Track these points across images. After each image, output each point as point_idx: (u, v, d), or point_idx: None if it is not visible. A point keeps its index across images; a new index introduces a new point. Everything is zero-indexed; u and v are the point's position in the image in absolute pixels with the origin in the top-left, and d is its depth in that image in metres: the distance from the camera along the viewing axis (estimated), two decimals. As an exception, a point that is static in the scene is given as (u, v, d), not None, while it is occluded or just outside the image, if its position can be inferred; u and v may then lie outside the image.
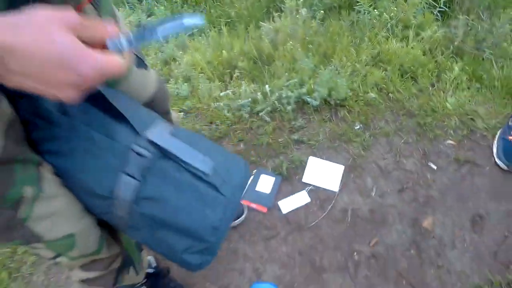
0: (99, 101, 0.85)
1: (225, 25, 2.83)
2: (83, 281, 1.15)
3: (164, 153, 0.84)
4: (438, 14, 2.72)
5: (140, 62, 1.08)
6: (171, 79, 2.29)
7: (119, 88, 1.00)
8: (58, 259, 1.00)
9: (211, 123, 2.05)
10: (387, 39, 2.48)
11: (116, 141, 0.85)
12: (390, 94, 2.16)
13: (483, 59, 2.39)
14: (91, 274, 1.13)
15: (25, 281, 1.76)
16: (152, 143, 0.84)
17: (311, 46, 2.43)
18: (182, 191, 0.83)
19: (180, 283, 1.61)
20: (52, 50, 0.54)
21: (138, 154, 0.83)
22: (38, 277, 1.77)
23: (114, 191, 0.83)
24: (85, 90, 0.60)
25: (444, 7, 2.71)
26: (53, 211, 0.88)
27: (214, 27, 2.87)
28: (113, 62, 0.59)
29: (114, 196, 0.83)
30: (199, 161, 0.84)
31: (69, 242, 0.96)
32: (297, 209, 1.76)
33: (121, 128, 0.86)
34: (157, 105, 1.14)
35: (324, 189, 1.81)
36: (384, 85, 2.19)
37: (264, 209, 1.73)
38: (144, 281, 1.47)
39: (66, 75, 0.56)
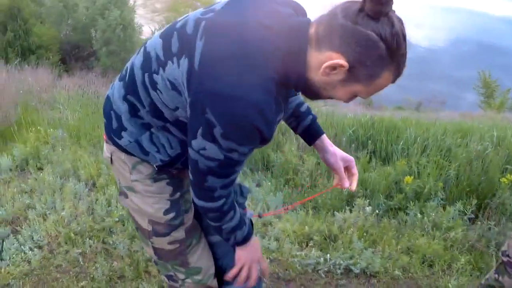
0: None
1: (312, 208, 4.06)
2: None
3: None
4: (468, 219, 3.76)
5: None
6: (266, 236, 3.49)
7: None
8: (186, 280, 1.86)
9: (286, 270, 3.17)
10: (422, 236, 3.53)
11: None
12: (410, 273, 3.17)
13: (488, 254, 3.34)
14: None
15: None
16: None
17: (365, 234, 3.55)
18: None
19: None
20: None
21: None
22: None
23: None
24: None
25: (472, 215, 3.76)
26: (199, 253, 1.84)
27: (304, 208, 4.11)
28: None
29: None
30: None
31: (198, 270, 1.83)
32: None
33: None
34: None
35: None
36: (407, 267, 3.21)
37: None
38: None
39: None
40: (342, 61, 1.25)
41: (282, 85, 1.35)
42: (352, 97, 1.39)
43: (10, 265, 3.09)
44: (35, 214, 3.62)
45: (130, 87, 1.52)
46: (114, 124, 1.60)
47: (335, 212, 3.83)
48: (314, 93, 1.41)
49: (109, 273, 3.01)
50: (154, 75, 1.44)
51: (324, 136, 1.88)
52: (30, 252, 3.20)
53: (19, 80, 8.49)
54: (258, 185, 4.42)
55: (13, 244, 3.25)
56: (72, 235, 3.37)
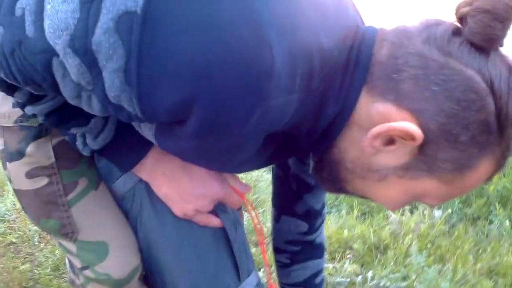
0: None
1: (358, 209, 3.02)
2: None
3: None
4: None
5: None
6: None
7: None
8: (84, 272, 0.97)
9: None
10: (510, 251, 2.47)
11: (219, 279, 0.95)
12: (493, 307, 2.12)
13: None
14: None
15: None
16: None
17: (430, 245, 2.51)
18: None
19: None
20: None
21: None
22: None
23: None
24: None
25: None
26: (99, 212, 0.94)
27: (351, 207, 3.08)
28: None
29: None
30: None
31: (101, 250, 0.94)
32: None
33: (225, 267, 0.95)
34: None
35: None
36: (488, 300, 2.15)
37: None
38: None
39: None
40: (413, 128, 0.61)
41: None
42: (407, 201, 0.75)
43: None
44: None
45: None
46: None
47: (390, 213, 2.81)
48: (332, 178, 0.77)
49: None
50: None
51: None
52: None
53: None
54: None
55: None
56: None
